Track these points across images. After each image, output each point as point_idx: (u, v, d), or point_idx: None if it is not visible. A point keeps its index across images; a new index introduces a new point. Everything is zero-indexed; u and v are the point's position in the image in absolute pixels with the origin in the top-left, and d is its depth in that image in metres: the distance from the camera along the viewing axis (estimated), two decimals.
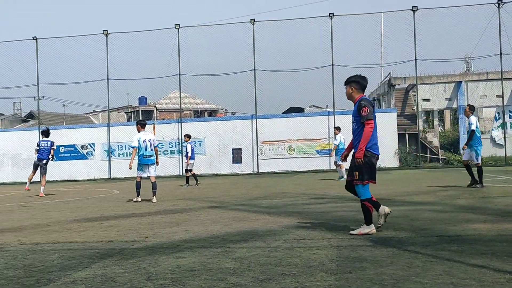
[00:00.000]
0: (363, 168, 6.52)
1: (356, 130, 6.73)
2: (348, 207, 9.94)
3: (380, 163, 30.39)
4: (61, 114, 55.26)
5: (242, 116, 35.54)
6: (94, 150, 33.50)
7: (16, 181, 33.73)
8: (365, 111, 6.53)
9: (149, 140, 13.35)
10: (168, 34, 33.03)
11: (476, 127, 13.77)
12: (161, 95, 50.11)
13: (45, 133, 17.74)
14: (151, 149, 13.35)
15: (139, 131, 13.60)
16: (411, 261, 4.90)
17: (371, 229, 6.53)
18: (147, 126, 14.16)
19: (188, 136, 20.39)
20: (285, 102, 62.09)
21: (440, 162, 33.82)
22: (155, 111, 54.27)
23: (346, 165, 14.88)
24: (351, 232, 6.62)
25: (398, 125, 31.91)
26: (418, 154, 31.83)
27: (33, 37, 33.74)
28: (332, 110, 31.46)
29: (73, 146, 33.80)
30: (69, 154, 33.64)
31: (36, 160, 17.49)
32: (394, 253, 5.27)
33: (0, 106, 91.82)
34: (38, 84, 33.90)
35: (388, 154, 30.51)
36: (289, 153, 31.79)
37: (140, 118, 33.75)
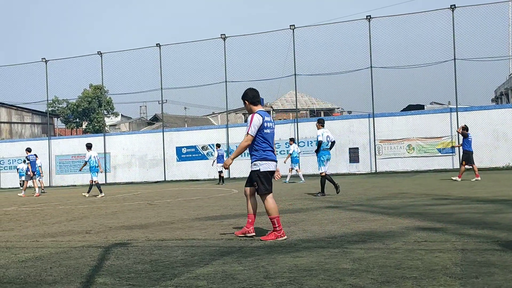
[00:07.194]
0: None
1: None
2: (473, 208, 9.41)
3: (509, 162, 28.52)
4: (182, 117, 57.95)
5: (358, 115, 35.01)
6: (213, 150, 34.70)
7: (143, 181, 35.84)
8: None
9: None
10: (284, 35, 33.38)
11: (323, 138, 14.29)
12: (277, 96, 50.75)
13: (29, 150, 23.44)
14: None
15: None
16: None
17: None
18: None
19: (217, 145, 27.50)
20: (403, 99, 60.41)
21: None
22: (271, 111, 55.04)
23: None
24: None
25: None
26: None
27: (156, 44, 35.68)
28: (455, 106, 30.00)
29: (194, 147, 35.26)
30: (190, 155, 35.16)
31: (29, 172, 23.20)
32: None
33: (128, 110, 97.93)
34: (161, 88, 35.80)
35: None
36: (408, 152, 30.80)
37: None
